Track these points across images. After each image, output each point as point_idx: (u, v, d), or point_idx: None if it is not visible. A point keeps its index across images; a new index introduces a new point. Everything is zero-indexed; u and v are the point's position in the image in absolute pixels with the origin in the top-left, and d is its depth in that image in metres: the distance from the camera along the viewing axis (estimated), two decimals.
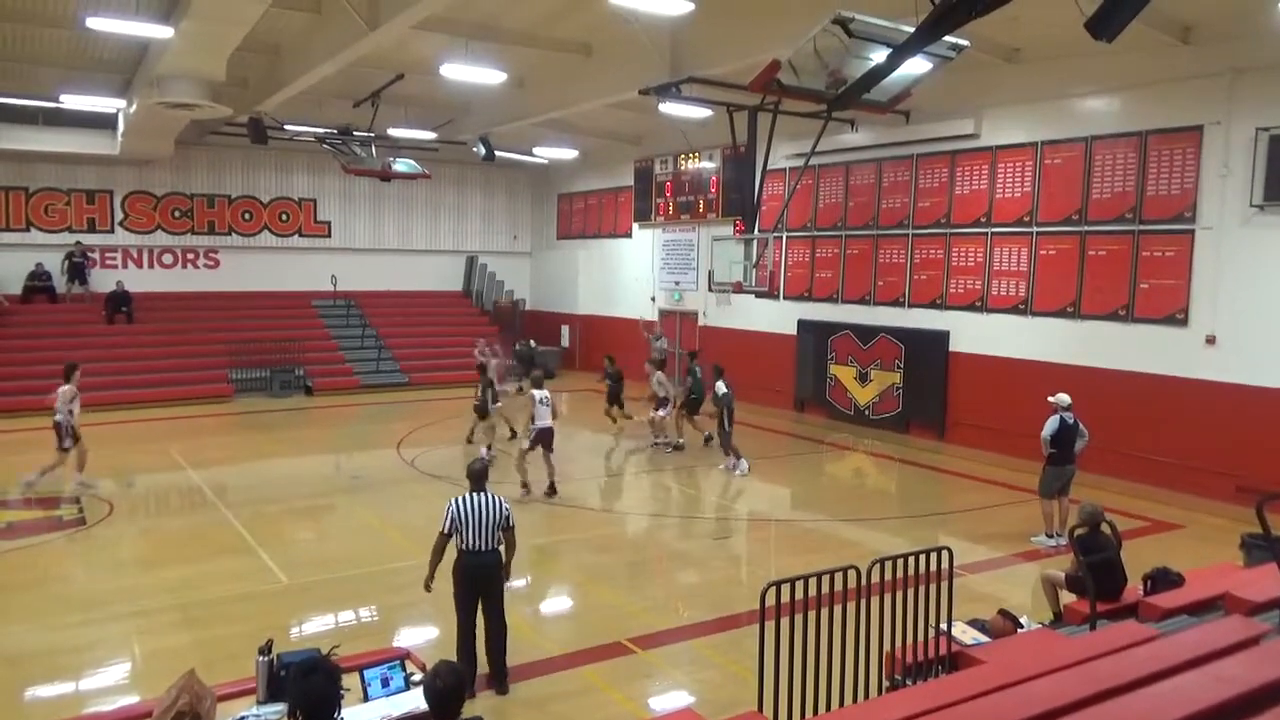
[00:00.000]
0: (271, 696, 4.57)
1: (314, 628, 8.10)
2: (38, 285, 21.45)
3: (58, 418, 12.42)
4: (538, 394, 12.13)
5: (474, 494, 6.77)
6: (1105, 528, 6.88)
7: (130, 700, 6.17)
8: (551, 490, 12.07)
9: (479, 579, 6.66)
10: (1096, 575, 6.34)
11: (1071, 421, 10.44)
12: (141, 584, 9.09)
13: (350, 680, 4.26)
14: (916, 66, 7.90)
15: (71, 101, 17.78)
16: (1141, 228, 13.00)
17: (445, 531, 6.68)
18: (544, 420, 12.06)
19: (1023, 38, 13.21)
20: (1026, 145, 14.51)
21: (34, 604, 8.48)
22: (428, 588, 6.83)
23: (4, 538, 10.53)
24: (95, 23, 11.89)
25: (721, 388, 13.92)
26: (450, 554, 6.77)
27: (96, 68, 16.68)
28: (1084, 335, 13.74)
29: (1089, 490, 10.59)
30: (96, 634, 7.80)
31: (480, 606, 6.69)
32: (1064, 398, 10.57)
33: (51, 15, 13.53)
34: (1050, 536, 10.42)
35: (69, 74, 16.90)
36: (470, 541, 6.61)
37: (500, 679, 6.71)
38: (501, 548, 6.76)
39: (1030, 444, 11.47)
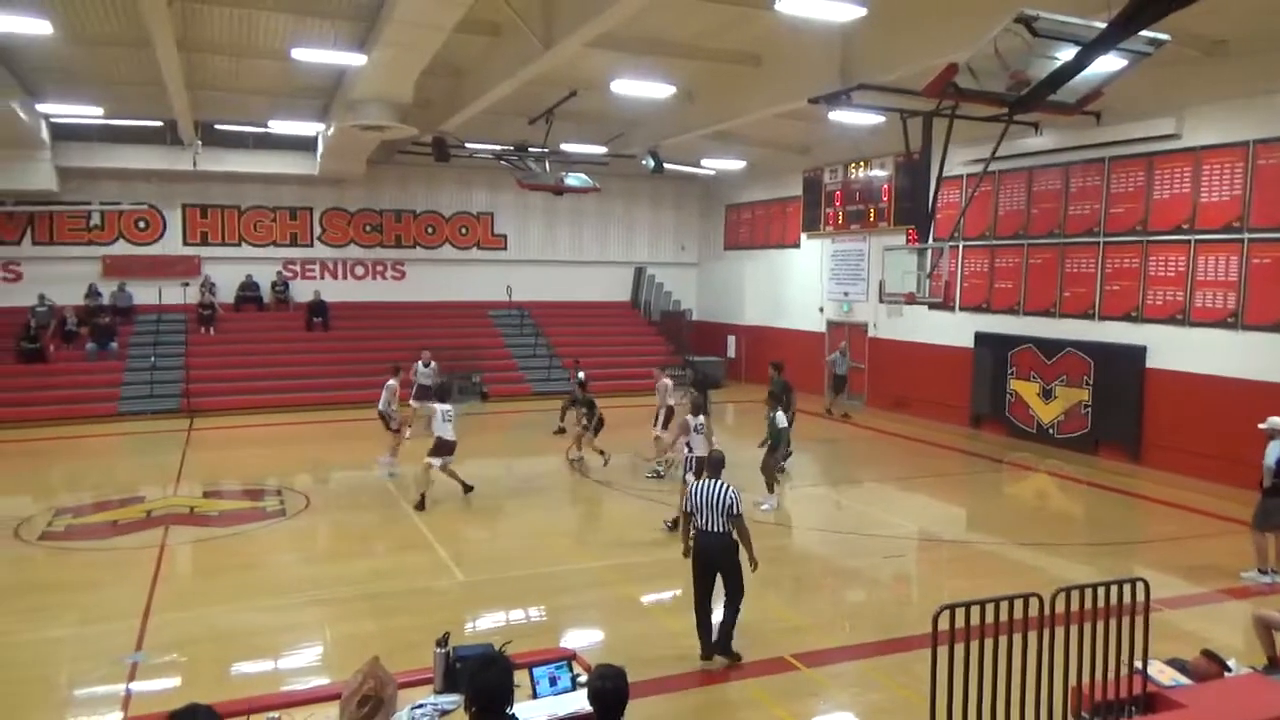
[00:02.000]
0: (447, 687, 4.76)
1: (486, 624, 8.41)
2: (247, 295, 23.50)
3: (380, 408, 14.27)
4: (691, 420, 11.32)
5: (709, 480, 7.46)
6: None
7: (321, 681, 6.61)
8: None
9: (708, 556, 7.31)
10: None
11: None
12: (332, 573, 9.76)
13: (519, 677, 4.39)
14: (1109, 64, 7.43)
15: (277, 126, 19.41)
16: None
17: (686, 511, 7.60)
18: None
19: (1228, 29, 12.14)
20: (1236, 145, 13.31)
21: (239, 586, 9.25)
22: (685, 554, 7.71)
23: (217, 525, 11.56)
24: (300, 53, 12.93)
25: (781, 420, 12.47)
26: None
27: (298, 94, 18.08)
28: None
29: None
30: (292, 618, 8.41)
31: (721, 585, 7.34)
32: (1277, 421, 9.58)
33: (261, 48, 14.79)
34: (1264, 573, 9.46)
35: (275, 100, 18.43)
36: (701, 522, 7.32)
37: (724, 649, 7.29)
38: (734, 534, 7.28)
39: (1240, 470, 10.50)
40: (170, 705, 3.51)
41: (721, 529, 7.22)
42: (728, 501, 7.20)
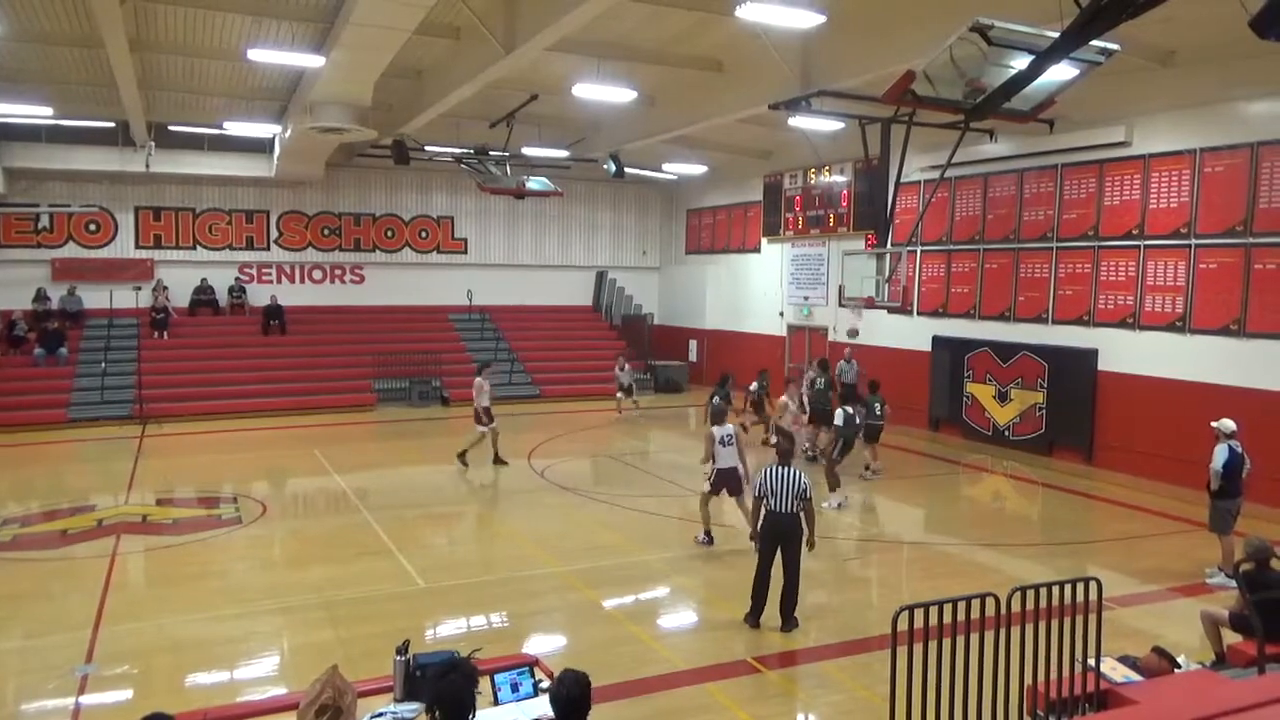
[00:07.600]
0: (407, 695, 4.71)
1: (447, 630, 8.36)
2: (203, 299, 23.09)
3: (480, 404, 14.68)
4: (718, 431, 10.68)
5: (780, 467, 8.17)
6: (1276, 564, 6.36)
7: (278, 691, 6.50)
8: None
9: (778, 534, 8.13)
10: (1265, 614, 5.87)
11: (1239, 450, 9.67)
12: (289, 581, 9.61)
13: (481, 683, 4.36)
14: (1062, 73, 7.54)
15: (234, 128, 19.14)
16: None
17: (758, 495, 8.25)
18: (726, 461, 10.66)
19: (1178, 39, 12.45)
20: (1184, 153, 13.65)
21: (194, 596, 9.08)
22: (751, 539, 8.69)
23: (170, 533, 11.34)
24: (256, 54, 12.75)
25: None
26: None
27: (255, 96, 17.84)
28: (1250, 354, 12.77)
29: (1258, 523, 9.82)
30: (249, 627, 8.27)
31: (780, 559, 8.14)
32: (1228, 423, 9.78)
33: (217, 49, 14.56)
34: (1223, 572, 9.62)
35: (231, 102, 18.17)
36: (773, 504, 8.11)
37: (786, 618, 8.14)
38: (802, 515, 8.12)
39: (1189, 471, 10.73)
40: (123, 718, 3.44)
41: (793, 510, 8.06)
42: (801, 486, 8.08)
